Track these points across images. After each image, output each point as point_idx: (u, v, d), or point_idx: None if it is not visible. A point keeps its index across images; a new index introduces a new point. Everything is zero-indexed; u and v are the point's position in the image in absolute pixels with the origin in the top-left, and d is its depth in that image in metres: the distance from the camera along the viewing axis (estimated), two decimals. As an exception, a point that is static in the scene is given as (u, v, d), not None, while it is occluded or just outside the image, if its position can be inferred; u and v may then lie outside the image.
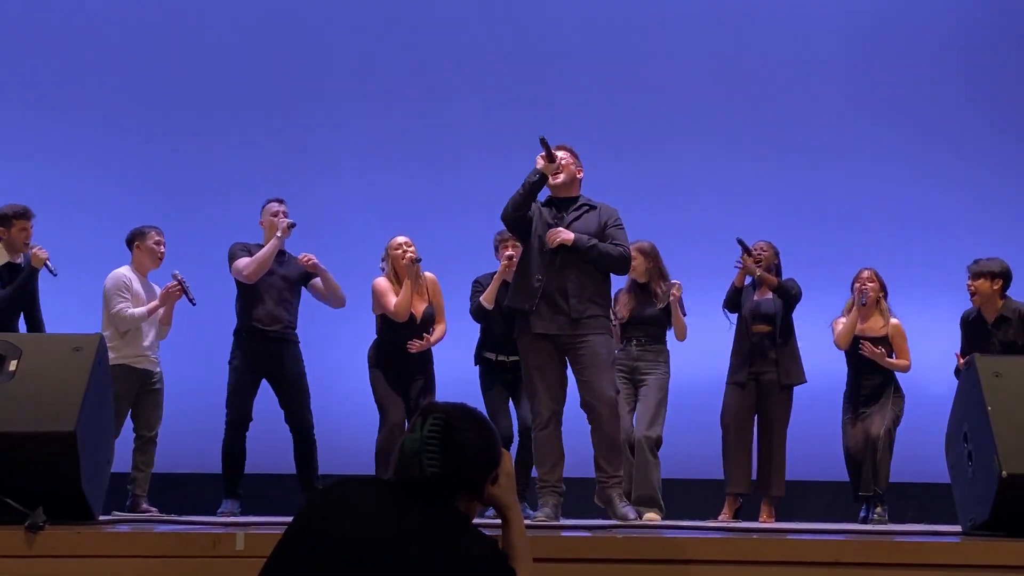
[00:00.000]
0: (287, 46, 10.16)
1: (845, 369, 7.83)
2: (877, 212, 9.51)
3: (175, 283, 7.36)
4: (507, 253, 7.26)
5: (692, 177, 9.73)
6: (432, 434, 2.88)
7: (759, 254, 7.84)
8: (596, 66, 10.12)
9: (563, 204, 6.10)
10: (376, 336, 7.37)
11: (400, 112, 10.08)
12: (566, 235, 5.88)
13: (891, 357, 7.67)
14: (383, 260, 7.38)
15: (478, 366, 7.53)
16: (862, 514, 7.64)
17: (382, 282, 7.27)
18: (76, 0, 10.21)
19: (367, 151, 9.98)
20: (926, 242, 9.42)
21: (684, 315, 7.64)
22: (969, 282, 7.42)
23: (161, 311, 7.43)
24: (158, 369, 7.46)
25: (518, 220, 6.02)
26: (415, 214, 9.14)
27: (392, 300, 7.17)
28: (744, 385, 7.71)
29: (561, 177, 6.04)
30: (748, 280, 7.89)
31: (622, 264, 6.10)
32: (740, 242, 7.76)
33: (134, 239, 7.53)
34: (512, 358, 7.28)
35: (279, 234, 7.34)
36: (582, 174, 6.19)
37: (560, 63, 10.15)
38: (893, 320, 7.74)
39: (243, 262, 7.34)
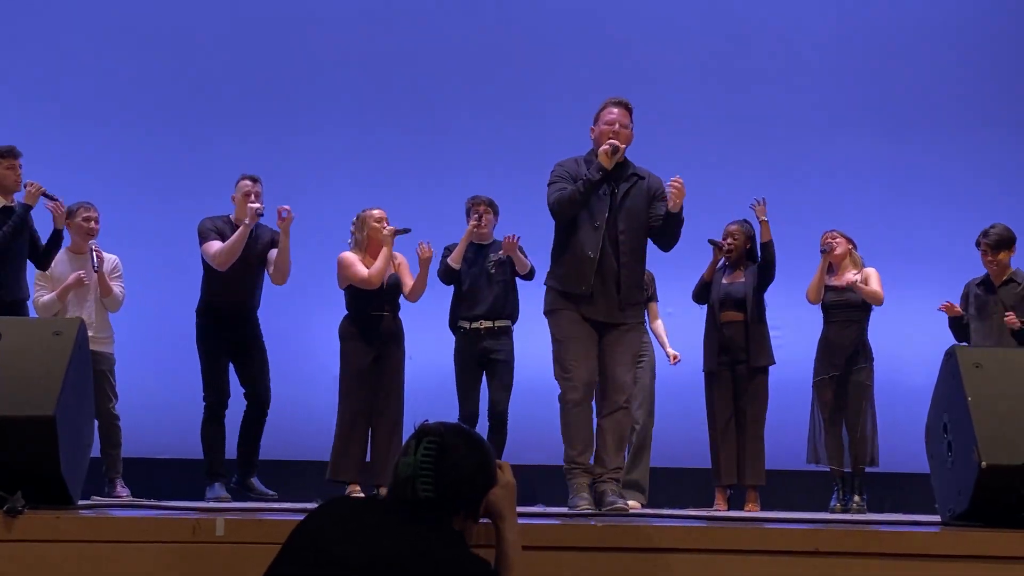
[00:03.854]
0: (276, 35, 10.12)
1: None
2: (859, 205, 9.52)
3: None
4: (476, 214, 7.41)
5: (675, 169, 9.73)
6: (426, 458, 2.90)
7: (731, 243, 7.78)
8: (586, 61, 10.10)
9: (611, 171, 5.66)
10: (349, 312, 7.32)
11: (388, 101, 10.05)
12: (679, 199, 5.56)
13: (865, 311, 7.71)
14: (355, 232, 7.34)
15: (454, 336, 7.53)
16: (833, 502, 7.64)
17: (349, 255, 7.28)
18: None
19: (354, 140, 9.95)
20: (906, 235, 9.43)
21: (655, 301, 7.71)
22: (990, 256, 7.42)
23: (95, 287, 7.41)
24: (104, 348, 7.42)
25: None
26: (403, 205, 9.12)
27: (362, 269, 7.16)
28: (719, 375, 7.68)
29: (622, 150, 5.67)
30: (718, 265, 7.86)
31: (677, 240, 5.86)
32: (712, 242, 7.73)
33: (65, 218, 7.46)
34: (486, 324, 7.32)
35: (247, 221, 7.25)
36: (633, 138, 5.79)
37: (550, 58, 10.14)
38: (867, 268, 7.75)
39: (213, 248, 7.27)
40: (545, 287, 5.84)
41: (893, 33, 10.12)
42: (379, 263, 7.18)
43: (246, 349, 7.37)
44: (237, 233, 7.25)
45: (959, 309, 7.44)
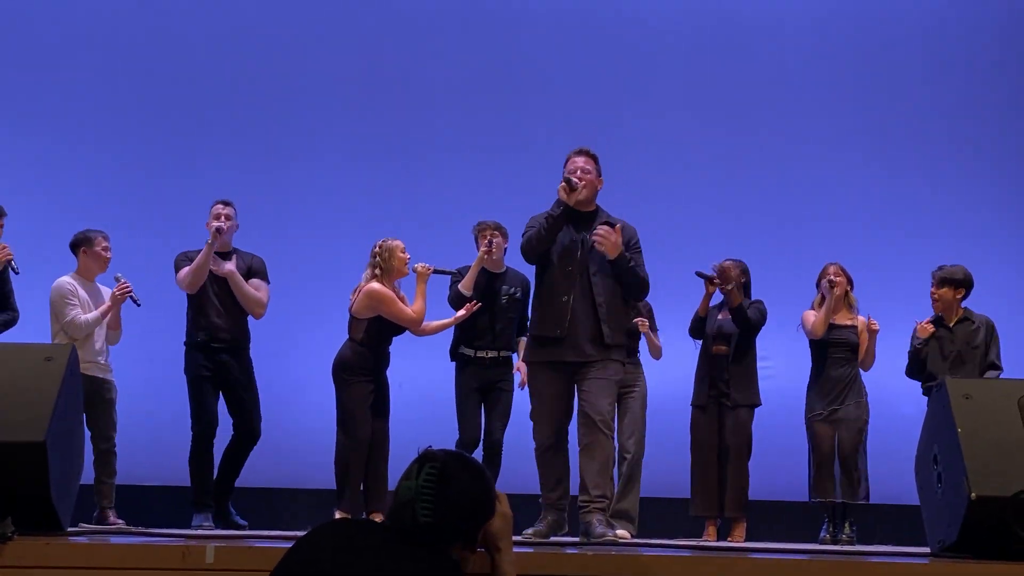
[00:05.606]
0: (264, 48, 10.10)
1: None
2: (849, 236, 9.55)
3: (120, 285, 7.28)
4: (487, 241, 7.28)
5: (667, 190, 9.77)
6: (427, 484, 2.89)
7: (721, 277, 7.80)
8: (573, 69, 10.12)
9: (581, 219, 5.86)
10: (360, 343, 7.04)
11: (378, 113, 10.02)
12: (611, 239, 5.66)
13: (858, 353, 7.74)
14: (380, 262, 7.07)
15: (454, 362, 7.46)
16: (822, 534, 7.63)
17: (386, 290, 7.01)
18: (46, 6, 10.14)
19: (344, 153, 9.94)
20: (896, 266, 9.46)
21: (656, 330, 7.70)
22: (933, 289, 7.53)
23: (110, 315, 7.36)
24: (110, 377, 7.36)
25: (542, 253, 5.85)
26: (393, 216, 9.14)
27: (406, 309, 7.03)
28: (705, 407, 7.70)
29: (584, 193, 5.81)
30: (714, 301, 7.89)
31: (644, 291, 6.04)
32: (700, 274, 7.72)
33: (80, 244, 7.41)
34: (491, 354, 7.28)
35: (209, 240, 7.23)
36: (602, 185, 5.97)
37: (537, 63, 10.16)
38: (860, 317, 7.80)
39: (182, 273, 7.28)
40: (528, 335, 6.06)
41: (887, 61, 10.18)
42: (420, 303, 7.06)
43: (238, 385, 7.35)
44: (201, 254, 7.22)
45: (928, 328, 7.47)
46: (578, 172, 5.85)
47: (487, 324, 7.34)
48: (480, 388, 7.34)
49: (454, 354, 7.46)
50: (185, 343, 7.38)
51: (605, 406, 5.74)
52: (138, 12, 10.12)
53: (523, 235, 5.95)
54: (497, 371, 7.33)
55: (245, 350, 7.45)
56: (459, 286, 7.33)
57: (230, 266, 7.34)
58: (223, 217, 7.36)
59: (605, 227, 5.73)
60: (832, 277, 7.76)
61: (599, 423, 5.69)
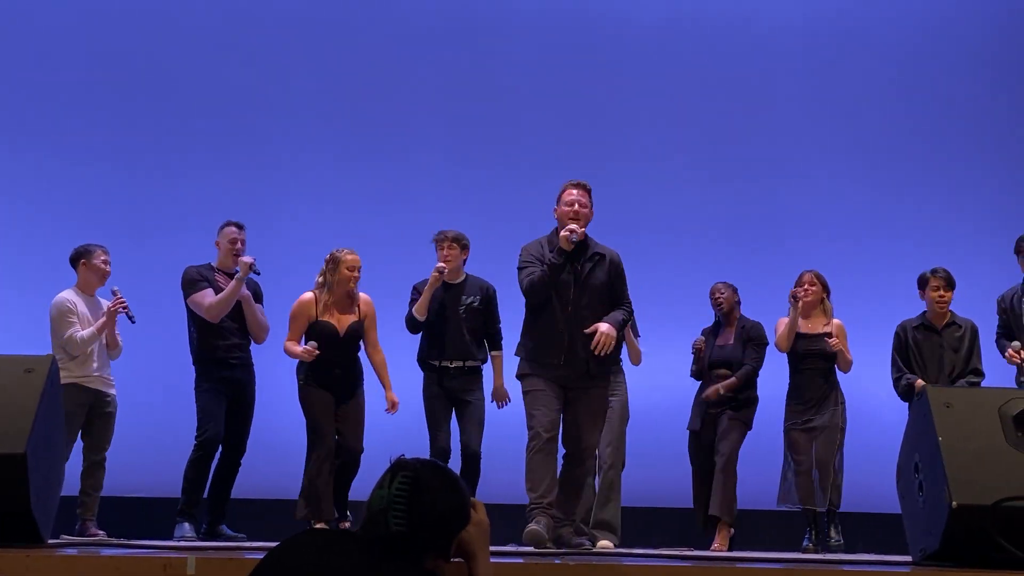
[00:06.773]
0: (255, 55, 10.09)
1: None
2: (831, 242, 9.57)
3: (116, 300, 7.25)
4: (439, 265, 7.24)
5: (654, 202, 9.78)
6: (400, 492, 2.87)
7: (720, 295, 7.82)
8: (560, 80, 10.14)
9: (574, 251, 6.08)
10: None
11: (371, 119, 10.01)
12: (608, 337, 5.92)
13: (832, 360, 7.75)
14: (327, 273, 7.12)
15: (423, 372, 7.41)
16: (805, 542, 7.63)
17: (298, 302, 7.12)
18: (33, 16, 10.11)
19: (327, 169, 9.93)
20: (877, 273, 9.49)
21: (637, 336, 7.66)
22: (942, 292, 7.54)
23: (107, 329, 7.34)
24: (111, 391, 7.35)
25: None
26: (376, 234, 9.11)
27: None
28: (701, 431, 7.69)
29: (581, 234, 6.07)
30: (710, 322, 7.90)
31: (631, 320, 6.52)
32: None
33: (79, 258, 7.40)
34: (455, 363, 7.26)
35: (239, 274, 7.20)
36: (592, 216, 6.23)
37: (523, 74, 10.17)
38: (835, 320, 7.80)
39: (206, 299, 7.20)
40: (517, 356, 6.30)
41: (873, 69, 10.23)
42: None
43: (244, 402, 7.34)
44: (232, 287, 7.19)
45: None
46: (576, 206, 6.11)
47: (446, 335, 7.29)
48: (448, 396, 7.29)
49: (421, 364, 7.43)
50: (198, 359, 7.33)
51: (593, 441, 6.18)
52: (127, 18, 10.10)
53: (519, 269, 6.18)
54: (463, 380, 7.28)
55: (251, 363, 7.46)
56: (413, 308, 7.30)
57: (246, 291, 7.35)
58: (240, 243, 7.37)
59: (596, 339, 5.91)
60: (806, 287, 7.78)
61: (583, 455, 6.08)
